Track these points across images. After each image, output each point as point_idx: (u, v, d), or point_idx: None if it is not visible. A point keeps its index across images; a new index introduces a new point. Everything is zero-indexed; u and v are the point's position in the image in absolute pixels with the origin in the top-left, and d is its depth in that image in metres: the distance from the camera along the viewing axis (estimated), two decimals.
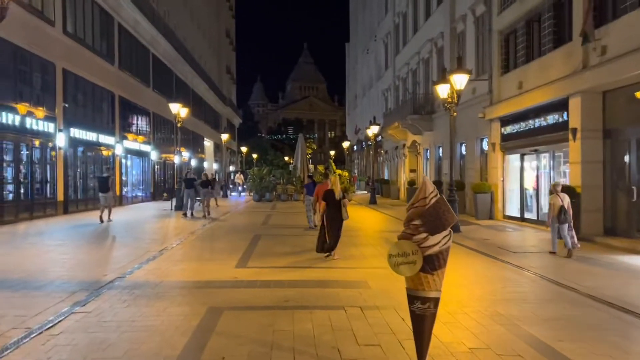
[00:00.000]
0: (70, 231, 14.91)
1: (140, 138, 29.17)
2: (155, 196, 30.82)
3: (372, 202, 28.66)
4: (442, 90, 15.91)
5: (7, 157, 16.31)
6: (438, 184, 24.34)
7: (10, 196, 16.28)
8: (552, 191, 10.96)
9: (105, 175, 17.72)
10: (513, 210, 18.37)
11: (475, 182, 19.91)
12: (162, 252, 11.01)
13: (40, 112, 17.40)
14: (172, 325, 5.73)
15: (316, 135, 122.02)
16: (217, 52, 59.05)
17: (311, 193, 15.12)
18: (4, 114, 15.55)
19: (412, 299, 4.22)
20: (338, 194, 10.19)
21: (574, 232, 10.64)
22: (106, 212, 16.67)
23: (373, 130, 30.02)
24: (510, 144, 18.17)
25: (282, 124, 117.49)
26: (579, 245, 10.80)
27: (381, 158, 42.17)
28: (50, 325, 5.70)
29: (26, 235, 13.74)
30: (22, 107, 16.57)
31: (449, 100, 15.60)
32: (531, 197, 17.75)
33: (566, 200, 10.68)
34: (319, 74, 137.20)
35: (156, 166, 33.29)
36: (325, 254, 10.31)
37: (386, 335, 5.47)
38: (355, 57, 60.72)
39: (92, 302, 6.73)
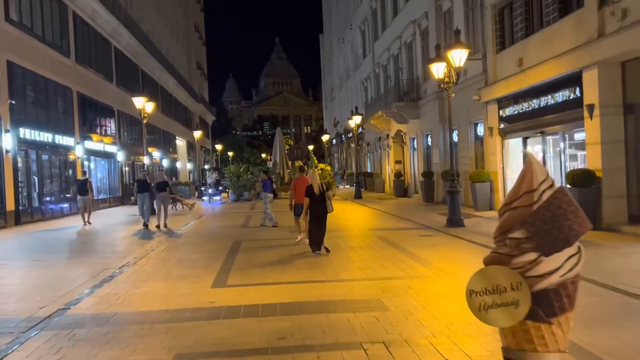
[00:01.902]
0: (16, 247, 12.85)
1: (105, 138, 26.91)
2: (123, 200, 28.60)
3: (357, 196, 27.03)
4: (438, 70, 14.27)
5: None
6: (428, 174, 22.82)
7: None
8: None
9: (83, 178, 18.21)
10: None
11: (472, 171, 18.35)
12: (123, 269, 9.09)
13: None
14: None
15: (293, 130, 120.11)
16: (186, 48, 56.60)
17: (267, 189, 15.28)
18: None
19: None
20: (317, 187, 9.98)
21: None
22: (86, 215, 17.25)
23: (355, 120, 28.34)
24: (510, 127, 16.64)
25: (257, 120, 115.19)
26: None
27: (363, 150, 40.53)
28: None
29: None
30: None
31: (446, 79, 13.97)
32: None
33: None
34: (293, 68, 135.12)
35: (125, 168, 31.02)
36: (316, 252, 9.90)
37: None
38: (330, 48, 58.91)
39: (12, 354, 4.84)
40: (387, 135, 30.48)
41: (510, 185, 17.21)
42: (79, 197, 17.54)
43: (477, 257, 9.09)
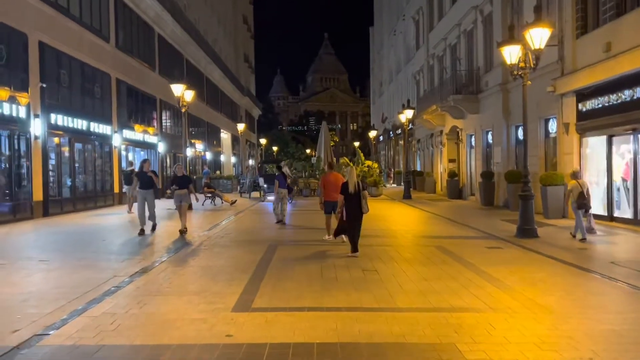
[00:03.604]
0: (30, 242, 11.70)
1: (146, 128, 25.98)
2: (164, 193, 27.65)
3: (407, 196, 25.06)
4: (510, 53, 12.22)
5: None
6: (488, 175, 20.65)
7: None
8: (572, 177, 11.39)
9: (129, 169, 18.87)
10: (595, 207, 14.51)
11: (543, 173, 16.16)
12: (134, 277, 7.65)
13: (4, 92, 14.00)
14: None
15: (339, 126, 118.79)
16: (234, 39, 55.72)
17: (282, 185, 14.50)
18: None
19: None
20: (353, 186, 9.34)
21: (592, 218, 11.26)
22: (128, 204, 17.56)
23: (407, 114, 26.30)
24: (591, 123, 14.38)
25: (303, 116, 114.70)
26: (596, 232, 11.23)
27: (412, 148, 38.37)
28: None
29: None
30: None
31: (522, 64, 11.93)
32: (619, 189, 14.00)
33: (585, 186, 11.21)
34: (340, 64, 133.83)
35: (167, 160, 30.14)
36: (349, 254, 9.28)
37: None
38: (381, 42, 56.77)
39: None
40: (441, 132, 28.30)
41: (591, 190, 14.90)
42: (125, 186, 18.83)
43: (569, 280, 7.11)
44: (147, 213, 12.30)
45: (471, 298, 6.37)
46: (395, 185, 40.62)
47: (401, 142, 40.79)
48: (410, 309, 5.90)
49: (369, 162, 29.66)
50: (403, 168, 32.72)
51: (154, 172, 12.82)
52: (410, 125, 30.29)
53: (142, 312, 5.81)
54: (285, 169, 27.02)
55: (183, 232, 12.06)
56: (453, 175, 25.28)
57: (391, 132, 47.39)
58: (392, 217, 17.64)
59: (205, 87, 39.51)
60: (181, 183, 12.45)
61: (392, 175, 44.37)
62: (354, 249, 9.33)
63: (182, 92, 19.36)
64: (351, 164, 27.85)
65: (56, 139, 17.20)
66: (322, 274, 7.84)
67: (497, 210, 18.38)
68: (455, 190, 24.85)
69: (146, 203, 12.18)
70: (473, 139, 23.95)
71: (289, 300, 6.27)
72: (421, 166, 35.93)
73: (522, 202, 11.89)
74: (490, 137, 21.86)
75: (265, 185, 26.43)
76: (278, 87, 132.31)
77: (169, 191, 25.89)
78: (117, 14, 22.42)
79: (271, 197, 26.01)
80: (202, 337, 4.94)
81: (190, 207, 19.48)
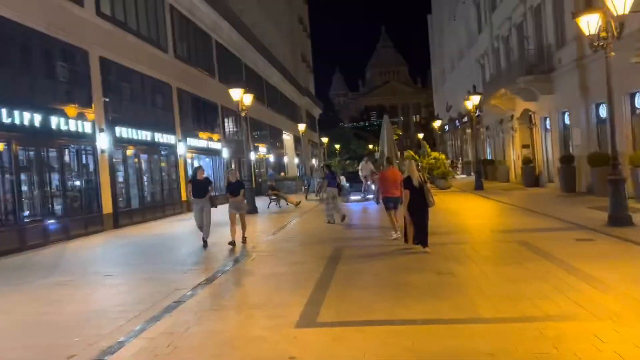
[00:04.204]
0: (97, 256, 11.78)
1: (210, 135, 26.26)
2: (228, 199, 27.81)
3: (478, 187, 23.78)
4: (589, 23, 11.00)
5: (28, 166, 12.97)
6: (568, 159, 19.11)
7: (35, 215, 13.03)
8: None
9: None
10: None
11: (634, 153, 14.62)
12: (197, 289, 7.34)
13: (72, 109, 14.40)
14: None
15: (401, 118, 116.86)
16: (290, 40, 55.78)
17: (332, 184, 14.30)
18: (16, 113, 12.39)
19: None
20: (417, 179, 9.11)
21: None
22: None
23: (473, 101, 24.95)
24: None
25: (364, 111, 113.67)
26: None
27: (481, 135, 36.65)
28: None
29: (34, 268, 10.48)
30: (51, 105, 13.76)
31: (602, 34, 10.70)
32: None
33: None
34: (399, 56, 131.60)
35: (232, 165, 30.38)
36: (415, 244, 9.09)
37: None
38: (440, 29, 54.94)
39: None
40: (512, 117, 26.70)
41: None
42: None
43: None
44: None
45: (567, 303, 5.52)
46: (464, 175, 39.03)
47: (468, 131, 39.15)
48: (496, 319, 5.16)
49: (435, 154, 28.49)
50: (472, 157, 31.25)
51: (207, 179, 12.16)
52: (478, 112, 28.84)
53: (201, 331, 5.43)
54: (369, 164, 25.94)
55: (232, 243, 11.04)
56: (528, 161, 23.73)
57: (457, 121, 45.65)
58: (464, 210, 16.66)
59: (265, 90, 39.64)
60: (234, 189, 11.61)
61: (458, 165, 42.63)
62: (424, 243, 8.98)
63: (240, 96, 19.26)
64: (415, 156, 26.89)
65: (123, 152, 17.55)
66: (391, 279, 7.21)
67: (580, 197, 16.90)
68: (532, 177, 23.29)
69: (202, 213, 11.40)
70: (548, 121, 22.33)
71: (358, 312, 5.69)
72: (492, 154, 34.20)
73: (612, 187, 10.66)
74: (567, 118, 20.25)
75: (347, 185, 24.45)
76: (337, 85, 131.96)
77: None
78: (174, 24, 22.71)
79: (354, 197, 23.52)
80: (262, 359, 4.47)
81: (255, 211, 19.55)
